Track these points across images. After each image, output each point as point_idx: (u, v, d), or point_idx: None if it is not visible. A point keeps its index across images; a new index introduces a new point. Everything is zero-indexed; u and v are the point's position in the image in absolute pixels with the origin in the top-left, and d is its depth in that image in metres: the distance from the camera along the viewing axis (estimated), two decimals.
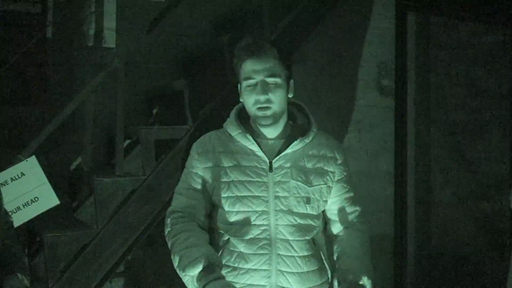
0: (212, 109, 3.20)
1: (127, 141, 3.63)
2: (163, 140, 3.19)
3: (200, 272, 1.98)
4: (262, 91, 2.13)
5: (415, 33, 4.44)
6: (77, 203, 3.64)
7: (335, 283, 2.08)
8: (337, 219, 2.27)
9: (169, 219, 2.21)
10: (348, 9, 4.19)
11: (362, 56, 4.31)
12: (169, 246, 2.17)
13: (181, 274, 2.06)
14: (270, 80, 2.14)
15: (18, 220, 2.75)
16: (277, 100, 2.15)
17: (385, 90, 4.35)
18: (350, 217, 2.27)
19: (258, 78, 2.14)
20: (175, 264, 2.09)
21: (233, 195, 2.14)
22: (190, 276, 2.01)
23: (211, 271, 1.98)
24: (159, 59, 3.90)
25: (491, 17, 4.24)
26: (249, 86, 2.16)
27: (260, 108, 2.15)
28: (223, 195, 2.15)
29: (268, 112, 2.15)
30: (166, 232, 2.22)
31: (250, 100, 2.17)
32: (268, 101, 2.14)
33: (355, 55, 4.31)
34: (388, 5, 4.30)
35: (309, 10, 3.58)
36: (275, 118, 2.18)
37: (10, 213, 2.73)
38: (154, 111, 3.97)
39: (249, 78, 2.15)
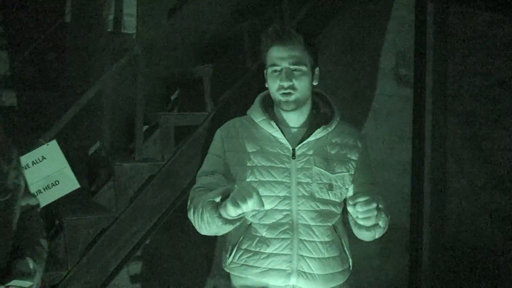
0: (231, 96, 3.21)
1: (145, 127, 3.65)
2: (182, 126, 3.20)
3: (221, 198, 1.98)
4: (286, 77, 2.16)
5: (434, 23, 4.42)
6: (95, 187, 3.67)
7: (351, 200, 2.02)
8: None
9: (191, 194, 2.20)
10: None
11: (380, 45, 4.29)
12: (192, 215, 2.12)
13: (205, 211, 2.02)
14: (295, 67, 2.16)
15: None
16: (300, 87, 2.18)
17: (402, 80, 4.34)
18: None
19: (283, 65, 2.17)
20: (199, 212, 2.05)
21: (256, 179, 2.16)
22: (215, 202, 1.99)
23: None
24: (179, 45, 3.91)
25: (510, 7, 4.20)
26: (274, 72, 2.18)
27: (283, 94, 2.17)
28: (246, 179, 2.17)
29: (291, 98, 2.18)
30: (188, 206, 2.17)
31: (274, 86, 2.20)
32: (292, 87, 2.16)
33: (373, 44, 4.30)
34: None
35: None
36: (297, 104, 2.20)
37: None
38: (172, 97, 3.98)
39: (274, 64, 2.19)
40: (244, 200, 1.85)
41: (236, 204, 1.86)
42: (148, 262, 3.80)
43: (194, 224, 2.14)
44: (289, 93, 2.17)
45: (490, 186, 4.26)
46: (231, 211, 1.90)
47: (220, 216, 1.97)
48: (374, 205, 1.97)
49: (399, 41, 4.32)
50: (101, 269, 2.94)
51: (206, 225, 2.05)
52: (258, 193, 1.88)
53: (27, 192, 2.05)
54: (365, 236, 2.17)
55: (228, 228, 2.02)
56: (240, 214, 1.95)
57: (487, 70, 4.32)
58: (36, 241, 1.99)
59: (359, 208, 1.96)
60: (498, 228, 4.19)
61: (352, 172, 2.25)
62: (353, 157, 2.26)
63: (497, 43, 4.25)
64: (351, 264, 2.30)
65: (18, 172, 1.96)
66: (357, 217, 2.01)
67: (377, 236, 2.18)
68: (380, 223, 2.08)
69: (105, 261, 2.94)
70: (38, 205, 2.12)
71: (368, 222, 2.02)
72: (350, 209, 2.00)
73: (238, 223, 2.01)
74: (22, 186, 1.97)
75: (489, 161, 4.30)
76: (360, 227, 2.11)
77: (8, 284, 1.80)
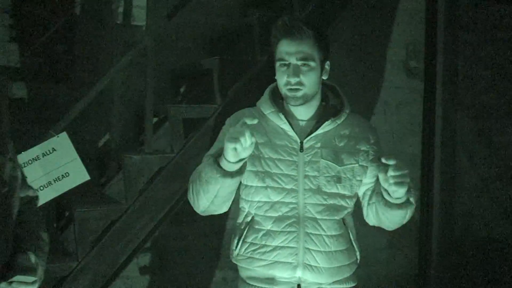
0: (240, 88, 3.20)
1: (154, 119, 3.65)
2: (191, 118, 3.20)
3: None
4: (293, 73, 2.12)
5: (445, 14, 4.39)
6: (104, 179, 3.69)
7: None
8: (373, 190, 2.23)
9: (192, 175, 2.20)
10: None
11: (390, 37, 4.27)
12: (190, 187, 2.12)
13: (203, 170, 2.02)
14: (302, 63, 2.13)
15: (49, 195, 2.80)
16: (308, 83, 2.14)
17: (412, 72, 4.32)
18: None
19: (291, 60, 2.13)
20: (197, 174, 2.06)
21: (263, 170, 2.15)
22: (213, 157, 2.00)
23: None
24: (188, 37, 3.90)
25: None
26: (281, 66, 2.16)
27: (290, 89, 2.15)
28: (253, 169, 2.16)
29: (298, 94, 2.15)
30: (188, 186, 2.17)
31: (281, 81, 2.18)
32: (299, 83, 2.13)
33: (383, 36, 4.28)
34: None
35: None
36: (305, 100, 2.17)
37: (39, 188, 2.77)
38: (182, 89, 3.99)
39: (282, 59, 2.15)
40: (243, 134, 1.84)
41: (233, 139, 1.85)
42: (158, 254, 3.82)
43: (191, 198, 2.12)
44: (296, 89, 2.14)
45: (500, 180, 4.24)
46: (229, 150, 1.88)
47: (218, 166, 1.94)
48: (407, 170, 1.93)
49: (409, 33, 4.30)
50: (110, 261, 2.95)
51: (204, 186, 2.01)
52: (249, 129, 1.88)
53: (25, 184, 2.00)
54: (397, 216, 2.10)
55: (227, 184, 1.98)
56: (237, 162, 1.93)
57: (498, 62, 4.30)
58: (37, 234, 1.93)
59: (391, 172, 1.91)
60: (508, 222, 4.18)
61: (363, 163, 2.23)
62: (363, 148, 2.24)
63: (509, 35, 4.22)
64: (358, 257, 2.28)
65: (14, 163, 1.89)
66: (389, 185, 1.95)
67: (407, 217, 2.12)
68: (411, 199, 2.03)
69: (115, 252, 2.95)
70: (37, 196, 2.07)
71: (402, 187, 1.96)
72: (380, 176, 1.95)
73: (237, 178, 1.97)
74: (19, 177, 1.91)
75: (499, 155, 4.28)
76: (392, 205, 2.04)
77: (11, 280, 1.74)
